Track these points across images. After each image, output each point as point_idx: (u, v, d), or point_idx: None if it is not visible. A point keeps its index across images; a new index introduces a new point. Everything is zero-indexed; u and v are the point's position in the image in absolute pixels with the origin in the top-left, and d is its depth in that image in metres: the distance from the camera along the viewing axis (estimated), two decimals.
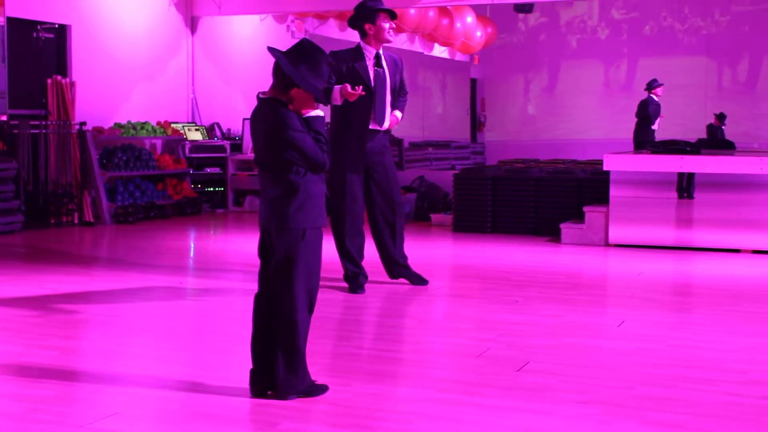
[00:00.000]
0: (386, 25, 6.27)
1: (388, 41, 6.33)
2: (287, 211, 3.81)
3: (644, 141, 12.32)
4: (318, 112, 3.86)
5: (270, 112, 3.80)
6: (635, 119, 13.20)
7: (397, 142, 13.87)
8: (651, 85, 13.12)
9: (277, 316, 3.86)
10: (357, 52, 6.31)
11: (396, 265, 6.52)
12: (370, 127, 6.29)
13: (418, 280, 6.55)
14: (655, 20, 17.57)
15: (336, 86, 5.89)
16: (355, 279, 6.35)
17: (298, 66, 3.78)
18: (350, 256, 6.36)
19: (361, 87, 5.85)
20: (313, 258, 3.88)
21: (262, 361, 3.90)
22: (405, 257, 6.55)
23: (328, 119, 4.65)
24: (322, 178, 3.95)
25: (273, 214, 3.84)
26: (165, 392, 4.00)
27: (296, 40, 15.07)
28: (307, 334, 3.90)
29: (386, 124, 6.36)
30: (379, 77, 6.30)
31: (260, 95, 3.90)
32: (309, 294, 3.87)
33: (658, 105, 13.07)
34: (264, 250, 3.96)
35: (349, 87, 5.80)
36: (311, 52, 3.82)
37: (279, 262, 3.85)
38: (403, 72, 6.59)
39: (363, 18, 6.30)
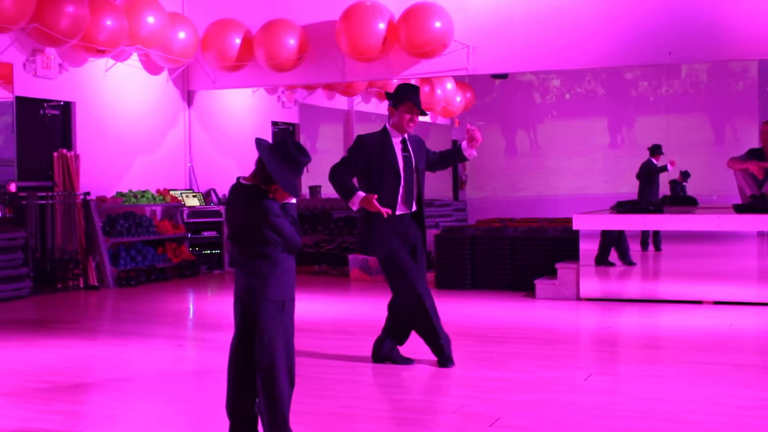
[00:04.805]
0: (407, 116, 6.01)
1: (407, 131, 6.07)
2: (267, 284, 4.13)
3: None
4: (292, 199, 4.31)
5: (253, 198, 4.21)
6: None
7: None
8: (657, 151, 13.42)
9: (262, 389, 4.13)
10: (384, 135, 6.07)
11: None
12: (398, 213, 6.08)
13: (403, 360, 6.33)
14: (621, 83, 18.57)
15: (359, 193, 5.89)
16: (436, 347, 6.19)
17: (281, 166, 4.16)
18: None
19: (389, 210, 5.89)
20: (291, 329, 4.24)
21: (244, 417, 4.24)
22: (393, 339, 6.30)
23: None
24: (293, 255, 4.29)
25: (252, 286, 4.15)
26: None
27: (287, 110, 15.42)
28: (290, 403, 4.21)
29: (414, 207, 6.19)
30: (407, 163, 6.09)
31: (241, 180, 4.32)
32: (288, 365, 4.17)
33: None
34: (242, 320, 4.23)
35: (375, 201, 5.80)
36: (295, 155, 4.19)
37: (260, 335, 4.13)
38: (426, 147, 6.35)
39: (391, 99, 6.05)
